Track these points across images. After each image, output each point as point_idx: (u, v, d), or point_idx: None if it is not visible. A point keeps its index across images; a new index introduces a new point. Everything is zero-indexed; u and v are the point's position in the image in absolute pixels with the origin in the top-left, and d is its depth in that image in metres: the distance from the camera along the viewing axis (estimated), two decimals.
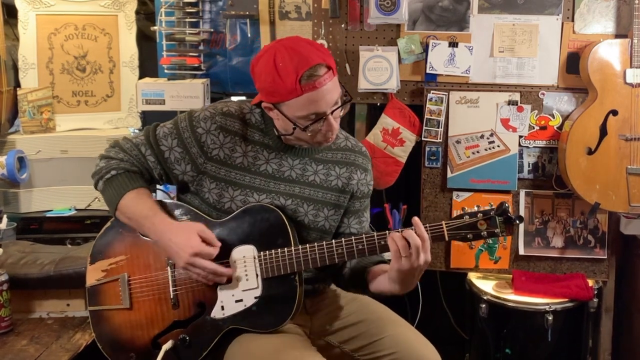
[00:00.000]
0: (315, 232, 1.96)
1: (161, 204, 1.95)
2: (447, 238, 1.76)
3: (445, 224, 1.75)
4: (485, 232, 1.74)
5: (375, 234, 1.79)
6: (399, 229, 1.74)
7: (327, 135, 1.85)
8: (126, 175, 1.91)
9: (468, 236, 1.75)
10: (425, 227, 1.74)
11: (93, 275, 2.00)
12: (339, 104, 1.82)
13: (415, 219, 1.72)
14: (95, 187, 1.96)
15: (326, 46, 2.87)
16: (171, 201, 2.00)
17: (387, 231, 1.77)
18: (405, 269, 1.71)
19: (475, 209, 1.77)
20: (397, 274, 1.75)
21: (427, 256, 1.71)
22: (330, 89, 1.77)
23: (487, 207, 1.78)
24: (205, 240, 1.83)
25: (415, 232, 1.70)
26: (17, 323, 2.30)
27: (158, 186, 2.53)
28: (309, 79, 1.73)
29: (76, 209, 3.01)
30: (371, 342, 1.93)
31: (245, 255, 1.86)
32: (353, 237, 1.80)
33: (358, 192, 2.02)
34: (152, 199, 1.94)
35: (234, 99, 3.24)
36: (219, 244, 1.85)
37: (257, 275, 1.85)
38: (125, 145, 1.95)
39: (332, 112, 1.79)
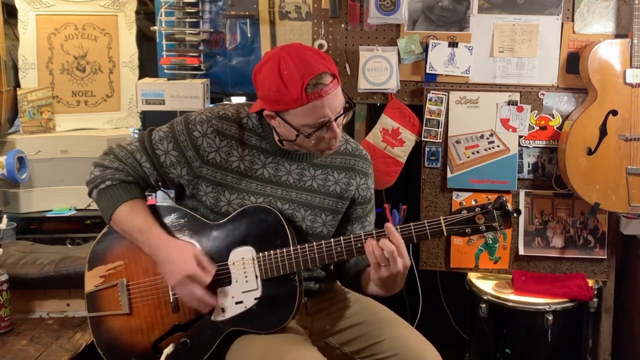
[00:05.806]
0: (313, 238, 1.94)
1: (157, 209, 1.93)
2: (445, 233, 1.77)
3: (444, 219, 1.76)
4: (484, 227, 1.76)
5: (374, 231, 1.79)
6: (374, 233, 1.76)
7: (330, 143, 1.84)
8: (121, 186, 1.89)
9: (466, 230, 1.77)
10: (424, 224, 1.76)
11: (91, 282, 1.98)
12: (342, 111, 1.81)
13: (388, 226, 1.75)
14: (89, 195, 1.94)
15: (326, 46, 2.88)
16: (168, 204, 1.97)
17: (382, 230, 1.78)
18: (384, 277, 1.75)
19: (473, 203, 1.79)
20: (379, 282, 1.80)
21: (405, 260, 1.75)
22: (335, 97, 1.77)
23: (485, 202, 1.79)
24: (200, 265, 1.81)
25: (389, 239, 1.73)
26: (17, 323, 2.30)
27: None
28: (315, 87, 1.72)
29: (76, 209, 3.01)
30: (372, 344, 1.92)
31: (244, 256, 1.85)
32: (352, 236, 1.80)
33: (359, 197, 2.01)
34: (147, 210, 1.90)
35: (234, 99, 3.24)
36: (214, 271, 1.84)
37: (256, 276, 1.84)
38: (120, 154, 1.92)
39: (335, 119, 1.79)
